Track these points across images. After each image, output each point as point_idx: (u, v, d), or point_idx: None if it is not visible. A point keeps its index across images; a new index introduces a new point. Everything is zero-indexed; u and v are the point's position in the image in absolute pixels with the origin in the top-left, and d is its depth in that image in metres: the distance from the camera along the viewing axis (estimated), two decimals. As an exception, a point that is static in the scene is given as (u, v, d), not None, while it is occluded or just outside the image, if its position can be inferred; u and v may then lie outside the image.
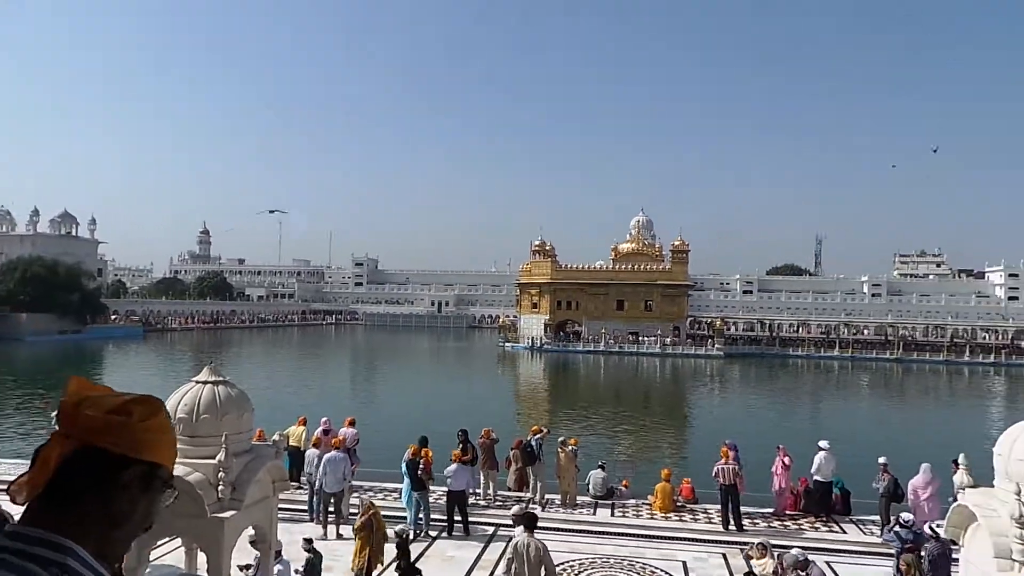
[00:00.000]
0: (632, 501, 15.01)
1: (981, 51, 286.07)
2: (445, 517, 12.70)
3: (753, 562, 9.29)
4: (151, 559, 5.34)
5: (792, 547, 9.54)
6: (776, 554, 9.31)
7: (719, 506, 14.73)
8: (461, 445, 14.20)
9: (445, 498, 12.89)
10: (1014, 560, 4.29)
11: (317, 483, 12.56)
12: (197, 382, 5.69)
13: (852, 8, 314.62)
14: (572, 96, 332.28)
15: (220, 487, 5.17)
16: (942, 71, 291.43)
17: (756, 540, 10.19)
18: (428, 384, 47.69)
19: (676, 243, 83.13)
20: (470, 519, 12.92)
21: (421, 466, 12.90)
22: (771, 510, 14.40)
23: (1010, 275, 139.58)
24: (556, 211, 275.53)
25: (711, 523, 13.77)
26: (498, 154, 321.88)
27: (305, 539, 9.99)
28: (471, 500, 14.28)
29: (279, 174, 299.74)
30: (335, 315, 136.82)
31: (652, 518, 13.98)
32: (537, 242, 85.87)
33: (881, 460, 13.65)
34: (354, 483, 15.01)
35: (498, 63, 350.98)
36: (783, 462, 14.40)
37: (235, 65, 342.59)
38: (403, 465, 12.82)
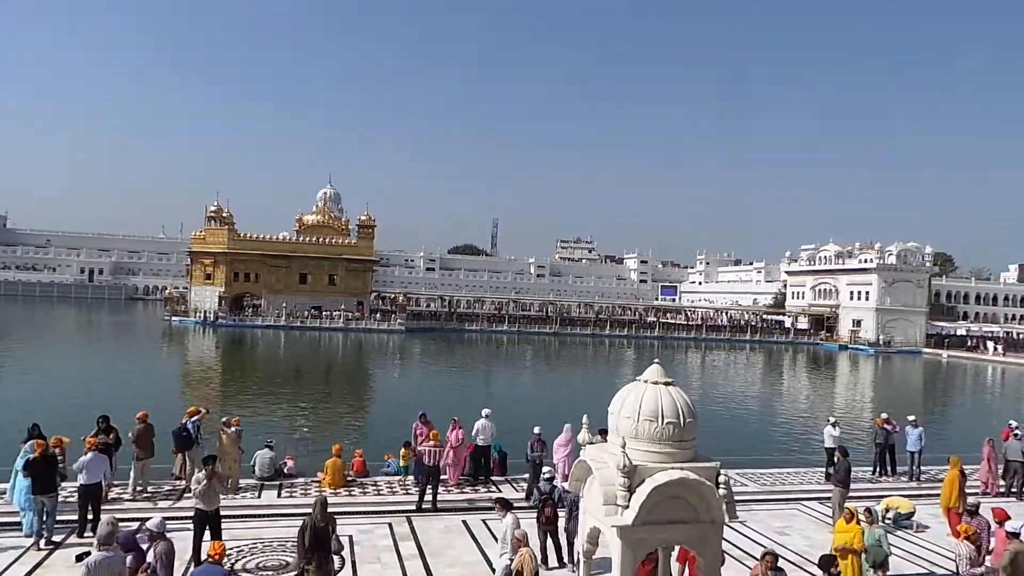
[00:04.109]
0: (301, 480, 14.59)
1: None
2: (76, 517, 10.94)
3: None
4: None
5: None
6: None
7: (389, 479, 15.09)
8: (99, 432, 12.38)
9: (77, 493, 11.10)
10: (618, 505, 4.95)
11: None
12: None
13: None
14: (260, 60, 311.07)
15: None
16: (589, 80, 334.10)
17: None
18: (72, 367, 41.01)
19: (363, 218, 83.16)
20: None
21: (61, 461, 11.03)
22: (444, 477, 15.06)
23: (641, 262, 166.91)
24: (236, 176, 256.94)
25: (380, 495, 13.99)
26: (169, 107, 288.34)
27: None
28: (112, 494, 12.59)
29: None
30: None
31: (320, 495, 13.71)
32: (213, 207, 79.01)
33: (536, 430, 14.70)
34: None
35: (174, 23, 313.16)
36: (455, 434, 15.11)
37: None
38: (19, 462, 10.67)
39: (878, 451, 17.46)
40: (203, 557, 9.72)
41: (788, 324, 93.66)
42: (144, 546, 8.04)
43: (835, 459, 14.08)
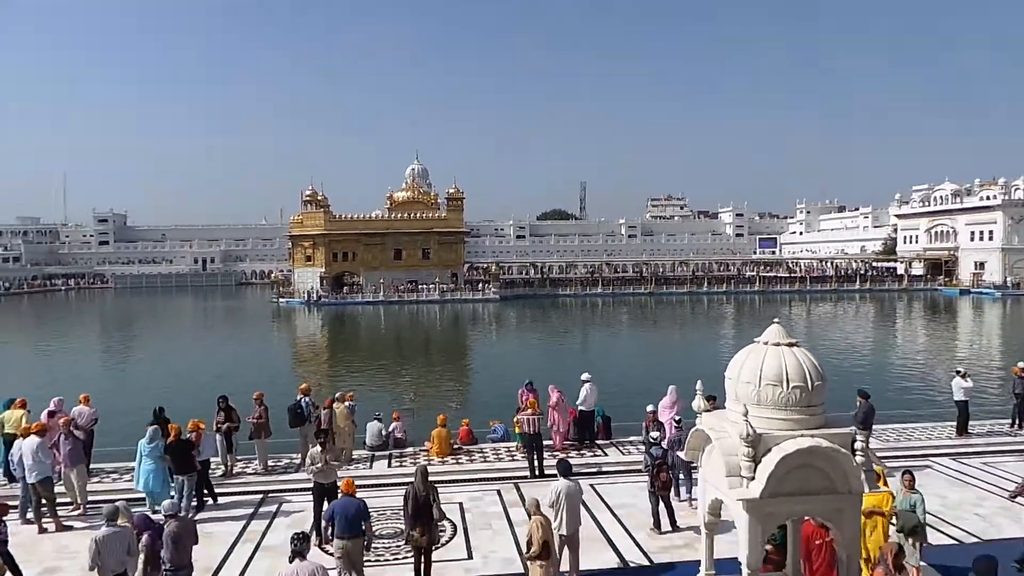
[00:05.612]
0: (410, 449, 14.91)
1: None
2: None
3: None
4: None
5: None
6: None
7: (495, 446, 15.23)
8: (220, 410, 13.06)
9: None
10: (743, 476, 4.61)
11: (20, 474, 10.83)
12: None
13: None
14: (339, 45, 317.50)
15: None
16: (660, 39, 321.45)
17: None
18: (191, 350, 43.75)
19: (451, 191, 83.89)
20: (219, 490, 12.03)
21: (196, 443, 11.67)
22: (549, 442, 15.00)
23: (736, 215, 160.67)
24: (328, 159, 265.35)
25: (486, 462, 14.09)
26: (261, 100, 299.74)
27: None
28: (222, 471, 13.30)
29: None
30: (75, 279, 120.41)
31: (429, 464, 13.95)
32: (308, 192, 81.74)
33: (649, 408, 13.32)
34: (94, 466, 13.30)
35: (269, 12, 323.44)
36: (557, 398, 14.96)
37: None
38: (147, 447, 11.23)
39: (1017, 403, 16.08)
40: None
41: (901, 271, 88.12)
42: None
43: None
